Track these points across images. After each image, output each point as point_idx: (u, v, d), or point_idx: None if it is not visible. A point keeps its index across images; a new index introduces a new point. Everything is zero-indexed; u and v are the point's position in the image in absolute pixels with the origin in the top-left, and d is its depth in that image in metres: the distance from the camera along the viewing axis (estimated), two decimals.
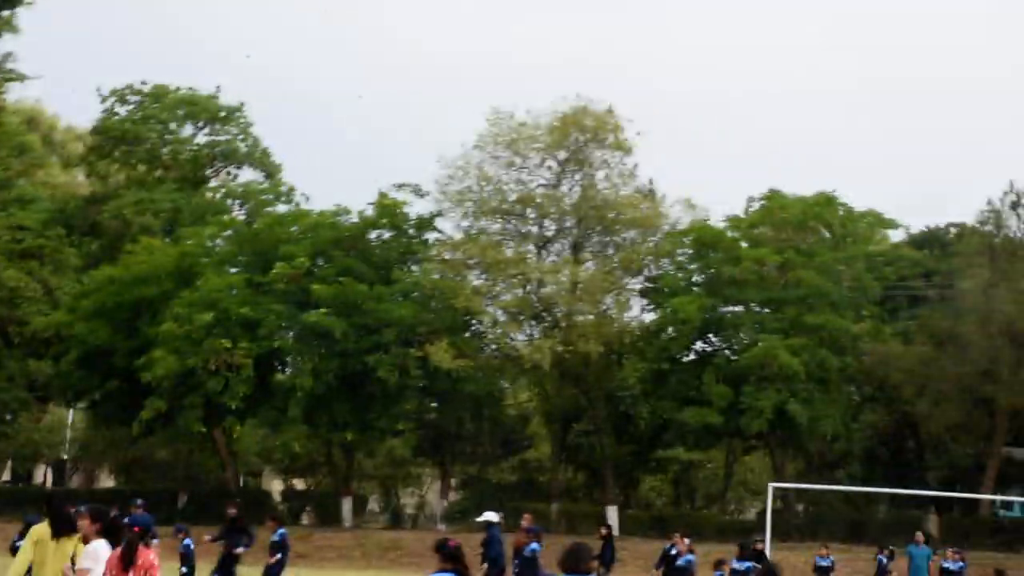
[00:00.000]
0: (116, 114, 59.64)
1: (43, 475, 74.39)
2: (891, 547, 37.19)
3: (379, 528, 56.35)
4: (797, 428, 48.76)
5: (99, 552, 12.18)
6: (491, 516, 25.31)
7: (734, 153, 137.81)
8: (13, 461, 70.49)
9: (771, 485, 44.59)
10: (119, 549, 11.94)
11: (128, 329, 51.92)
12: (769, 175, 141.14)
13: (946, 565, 33.97)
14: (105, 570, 11.86)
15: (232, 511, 26.21)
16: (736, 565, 24.56)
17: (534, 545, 24.35)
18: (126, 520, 22.18)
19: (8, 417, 59.70)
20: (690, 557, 24.90)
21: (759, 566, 30.88)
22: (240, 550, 25.53)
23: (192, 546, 24.93)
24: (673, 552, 28.67)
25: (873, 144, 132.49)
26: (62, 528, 12.72)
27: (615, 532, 49.34)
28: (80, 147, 64.46)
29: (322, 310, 49.10)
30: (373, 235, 53.78)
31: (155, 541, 22.35)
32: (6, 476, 70.76)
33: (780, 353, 47.23)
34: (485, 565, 24.48)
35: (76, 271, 56.98)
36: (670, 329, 49.99)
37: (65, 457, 71.11)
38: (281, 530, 24.97)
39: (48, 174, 64.14)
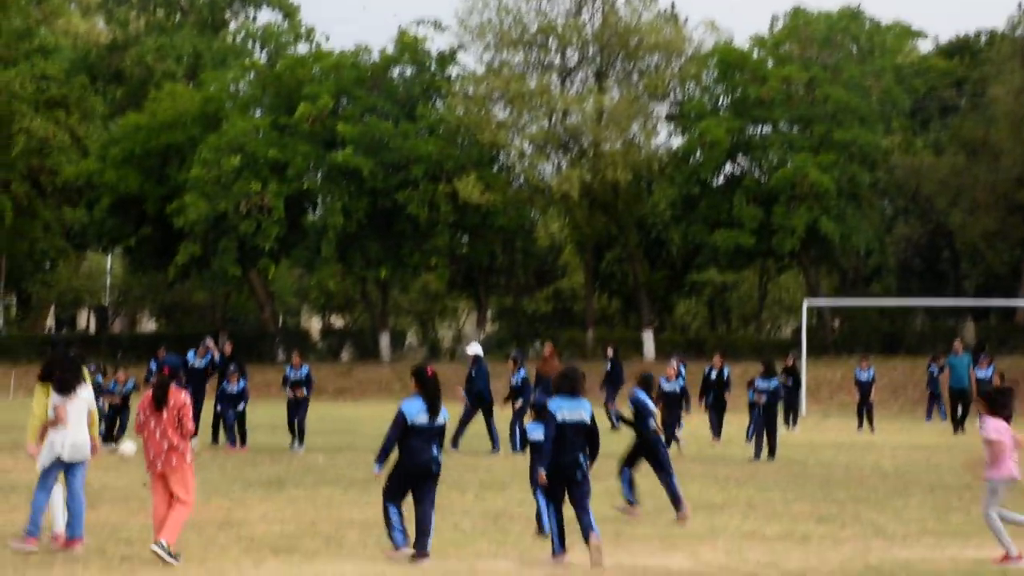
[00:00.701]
0: None
1: (86, 321, 75.53)
2: (942, 358, 37.08)
3: (417, 361, 57.06)
4: (830, 245, 48.78)
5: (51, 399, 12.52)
6: (476, 348, 25.67)
7: None
8: (56, 308, 71.54)
9: (806, 302, 44.76)
10: (151, 390, 12.20)
11: (158, 175, 52.33)
12: None
13: (979, 374, 34.11)
14: (139, 411, 12.16)
15: (228, 348, 26.62)
16: (760, 383, 24.66)
17: (521, 372, 24.81)
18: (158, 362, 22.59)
19: (47, 265, 60.41)
20: (680, 383, 24.87)
21: (788, 382, 31.29)
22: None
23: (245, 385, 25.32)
24: (713, 375, 28.85)
25: None
26: (43, 374, 12.97)
27: (651, 356, 50.05)
28: None
29: (348, 149, 49.16)
30: (395, 72, 53.54)
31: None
32: (50, 322, 71.83)
33: (810, 171, 46.99)
34: (465, 397, 24.90)
35: (103, 119, 57.06)
36: (698, 153, 49.68)
37: (106, 303, 72.11)
38: (306, 367, 25.39)
39: (68, 22, 63.67)
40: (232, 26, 62.08)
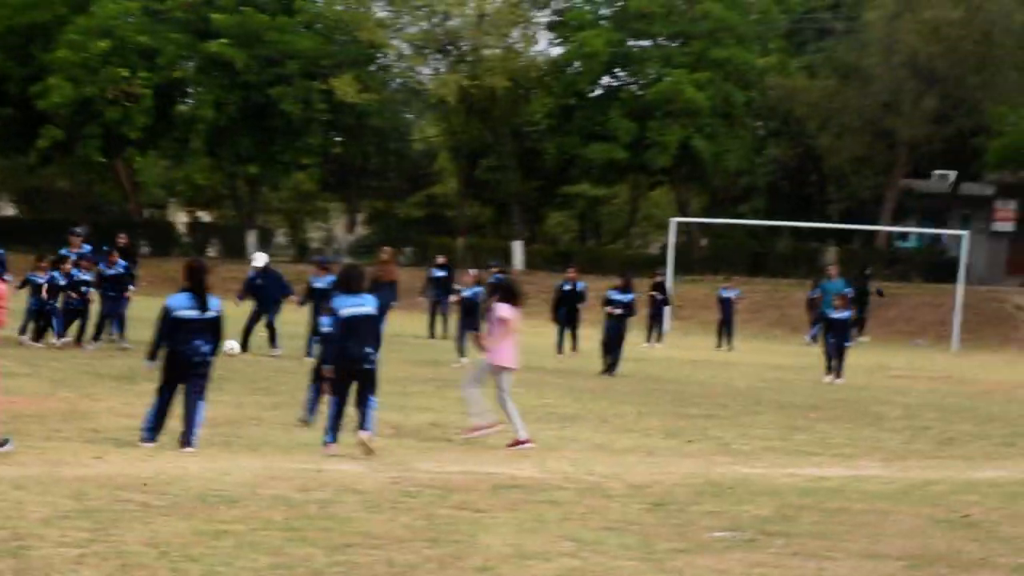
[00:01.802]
0: None
1: None
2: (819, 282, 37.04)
3: (285, 261, 56.46)
4: (701, 163, 49.17)
5: None
6: (262, 259, 25.02)
7: None
8: None
9: (673, 220, 45.07)
10: None
11: (22, 55, 50.57)
12: None
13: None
14: None
15: (123, 240, 25.77)
16: (615, 295, 24.56)
17: (477, 288, 24.32)
18: None
19: None
20: (477, 289, 24.73)
21: (658, 297, 31.54)
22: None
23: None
24: (566, 288, 28.61)
25: None
26: None
27: (520, 267, 50.15)
28: None
29: (223, 40, 48.16)
30: None
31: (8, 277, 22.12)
32: None
33: (686, 88, 47.18)
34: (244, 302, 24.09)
35: None
36: (577, 64, 49.59)
37: None
38: (122, 262, 24.41)
39: None
40: None
